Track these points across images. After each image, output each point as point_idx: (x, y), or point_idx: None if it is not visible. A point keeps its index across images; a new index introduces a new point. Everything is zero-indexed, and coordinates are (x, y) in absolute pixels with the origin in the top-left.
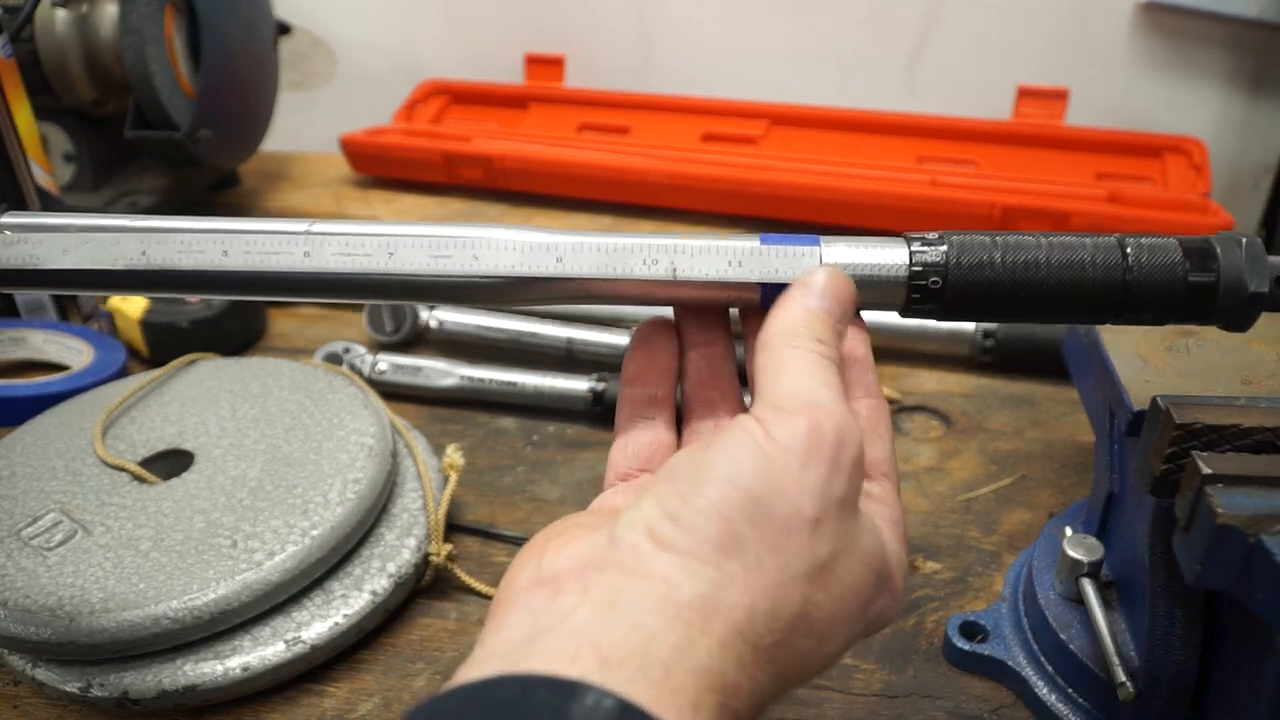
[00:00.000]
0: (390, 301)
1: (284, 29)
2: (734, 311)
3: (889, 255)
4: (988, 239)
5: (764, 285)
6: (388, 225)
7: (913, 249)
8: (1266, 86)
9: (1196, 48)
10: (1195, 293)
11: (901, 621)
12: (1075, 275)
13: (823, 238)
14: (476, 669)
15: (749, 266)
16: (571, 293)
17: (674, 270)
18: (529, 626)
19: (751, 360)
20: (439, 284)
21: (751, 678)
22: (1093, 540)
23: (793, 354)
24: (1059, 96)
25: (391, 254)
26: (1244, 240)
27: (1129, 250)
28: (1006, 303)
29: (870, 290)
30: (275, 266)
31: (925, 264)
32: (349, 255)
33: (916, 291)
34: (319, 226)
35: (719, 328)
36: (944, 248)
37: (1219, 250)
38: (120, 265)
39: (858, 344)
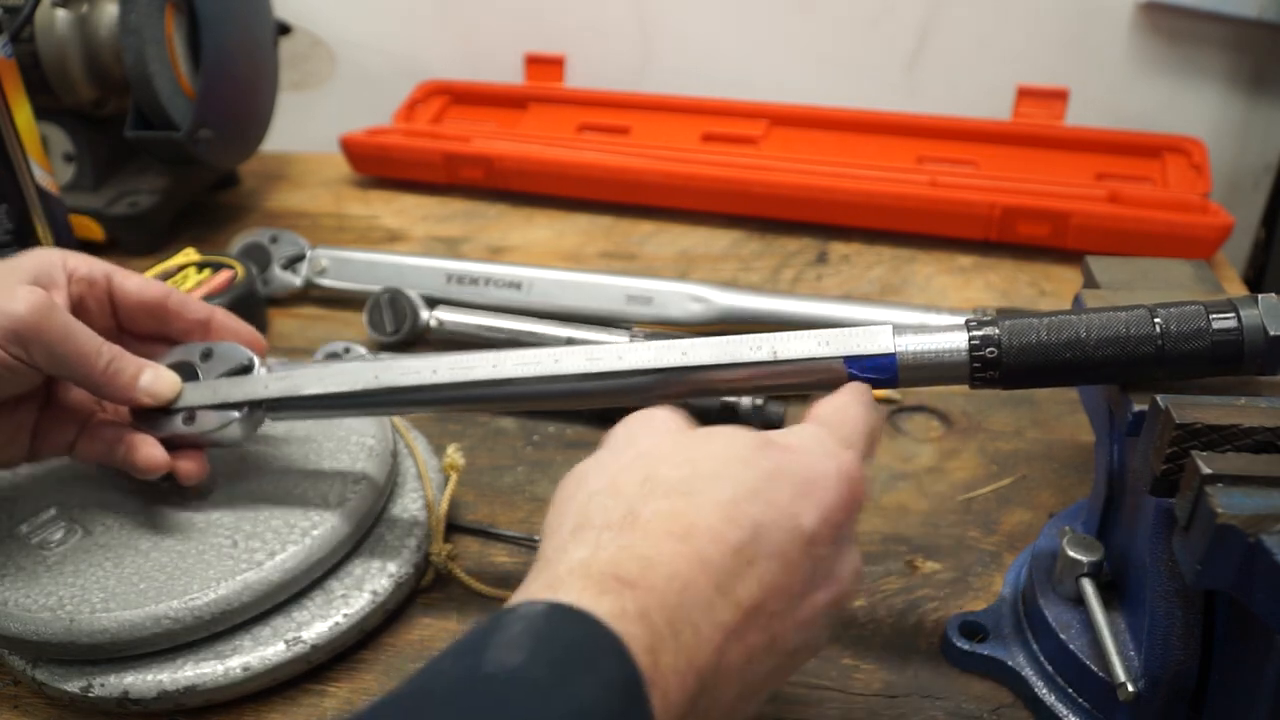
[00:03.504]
0: (559, 408)
1: (284, 29)
2: None
3: (953, 340)
4: (1035, 320)
5: (847, 358)
6: (553, 351)
7: (971, 331)
8: (1266, 86)
9: (1196, 48)
10: (1222, 342)
11: (901, 621)
12: (1115, 349)
13: (893, 324)
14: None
15: (834, 345)
16: (692, 385)
17: (774, 353)
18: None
19: None
20: (595, 388)
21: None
22: (1093, 540)
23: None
24: (1059, 96)
25: (557, 360)
26: (1259, 297)
27: (1159, 319)
28: (1056, 370)
29: (939, 369)
30: (471, 377)
31: (982, 337)
32: (525, 364)
33: (978, 361)
34: (500, 353)
35: None
36: (995, 329)
37: (1238, 305)
38: (360, 387)
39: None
